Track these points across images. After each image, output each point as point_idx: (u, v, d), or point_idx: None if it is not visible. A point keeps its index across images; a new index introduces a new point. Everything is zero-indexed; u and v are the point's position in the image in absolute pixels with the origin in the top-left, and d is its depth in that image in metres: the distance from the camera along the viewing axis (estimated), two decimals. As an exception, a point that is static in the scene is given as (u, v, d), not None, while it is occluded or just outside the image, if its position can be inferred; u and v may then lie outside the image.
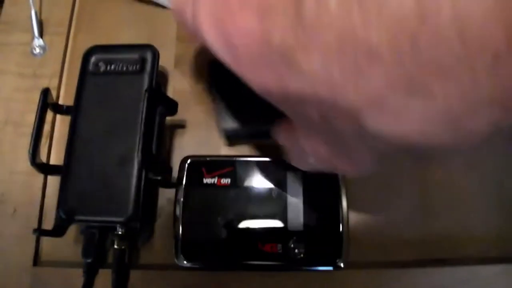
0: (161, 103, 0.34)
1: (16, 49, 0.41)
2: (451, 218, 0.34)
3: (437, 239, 0.34)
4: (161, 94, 0.35)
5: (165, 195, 0.35)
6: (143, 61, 0.34)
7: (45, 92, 0.32)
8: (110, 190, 0.31)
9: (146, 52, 0.35)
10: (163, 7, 0.41)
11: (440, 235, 0.34)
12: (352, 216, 0.33)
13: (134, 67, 0.34)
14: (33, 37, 0.41)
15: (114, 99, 0.33)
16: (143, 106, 0.32)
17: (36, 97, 0.37)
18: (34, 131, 0.31)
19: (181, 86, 0.39)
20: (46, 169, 0.33)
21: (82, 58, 0.35)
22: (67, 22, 0.41)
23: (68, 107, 0.35)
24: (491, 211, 0.35)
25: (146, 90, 0.32)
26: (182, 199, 0.33)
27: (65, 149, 0.32)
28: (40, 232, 0.30)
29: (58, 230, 0.31)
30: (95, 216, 0.31)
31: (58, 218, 0.31)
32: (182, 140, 0.37)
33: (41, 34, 0.41)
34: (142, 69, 0.34)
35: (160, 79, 0.38)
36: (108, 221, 0.31)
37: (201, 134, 0.37)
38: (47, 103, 0.33)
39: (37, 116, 0.32)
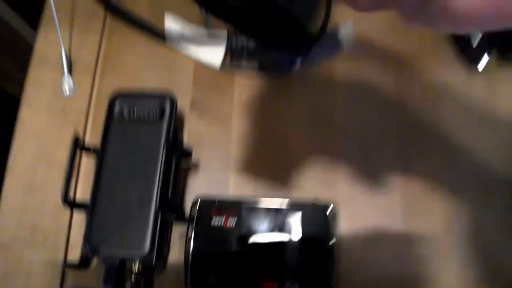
0: (177, 152, 0.38)
1: (47, 86, 0.45)
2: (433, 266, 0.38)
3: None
4: (177, 144, 0.39)
5: (178, 229, 0.39)
6: (162, 109, 0.38)
7: (76, 140, 0.37)
8: (130, 228, 0.35)
9: (165, 101, 0.39)
10: (181, 52, 0.45)
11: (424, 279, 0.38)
12: (344, 258, 0.37)
13: (154, 114, 0.38)
14: (63, 75, 0.45)
15: (136, 145, 0.37)
16: (161, 156, 0.36)
17: (65, 133, 0.41)
18: (66, 175, 0.35)
19: (196, 127, 0.43)
20: (74, 205, 0.37)
21: (107, 104, 0.39)
22: (94, 63, 0.45)
23: (94, 149, 0.39)
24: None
25: (165, 142, 0.36)
26: (192, 236, 0.37)
27: (92, 189, 0.36)
28: (69, 266, 0.35)
29: (85, 263, 0.35)
30: (117, 251, 0.35)
31: (84, 251, 0.35)
32: (196, 178, 0.41)
33: (70, 72, 0.45)
34: (161, 117, 0.38)
35: (177, 121, 0.41)
36: (127, 255, 0.35)
37: (212, 174, 0.41)
38: (77, 149, 0.37)
39: (68, 161, 0.36)
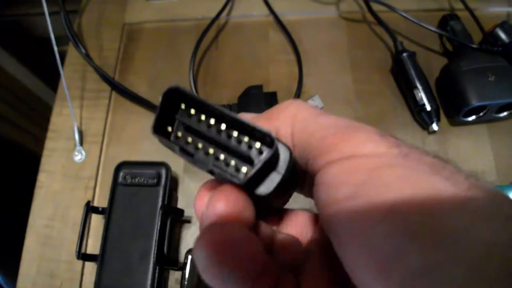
0: (172, 213, 0.46)
1: (62, 154, 0.53)
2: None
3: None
4: (171, 208, 0.46)
5: (175, 276, 0.47)
6: (159, 176, 0.46)
7: (88, 204, 0.44)
8: (132, 278, 0.43)
9: (161, 169, 0.47)
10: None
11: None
12: None
13: (152, 180, 0.46)
14: (75, 145, 0.53)
15: (137, 206, 0.45)
16: (158, 217, 0.44)
17: (78, 195, 0.49)
18: (79, 234, 0.43)
19: (188, 188, 0.51)
20: (86, 258, 0.45)
21: (113, 171, 0.47)
22: (101, 134, 0.54)
23: (103, 208, 0.47)
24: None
25: (161, 207, 0.44)
26: (186, 283, 0.44)
27: (101, 244, 0.44)
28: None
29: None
30: (121, 298, 0.42)
31: (94, 298, 0.43)
32: (188, 232, 0.49)
33: (81, 143, 0.53)
34: (158, 182, 0.46)
35: (172, 185, 0.49)
36: (131, 301, 0.42)
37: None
38: (88, 212, 0.45)
39: (81, 223, 0.44)
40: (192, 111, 0.20)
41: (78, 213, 0.48)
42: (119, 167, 0.47)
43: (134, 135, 0.54)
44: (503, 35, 0.51)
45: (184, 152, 0.19)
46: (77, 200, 0.50)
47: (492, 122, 0.51)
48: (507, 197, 0.15)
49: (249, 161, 0.19)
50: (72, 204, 0.50)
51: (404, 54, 0.51)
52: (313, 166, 0.19)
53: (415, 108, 0.50)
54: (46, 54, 0.64)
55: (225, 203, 0.18)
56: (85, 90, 0.56)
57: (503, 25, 0.51)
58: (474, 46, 0.50)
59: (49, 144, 0.54)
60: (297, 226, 0.23)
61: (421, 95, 0.49)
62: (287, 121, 0.20)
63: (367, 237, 0.15)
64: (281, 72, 0.56)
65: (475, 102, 0.46)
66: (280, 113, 0.21)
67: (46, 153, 0.54)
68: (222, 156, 0.20)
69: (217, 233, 0.18)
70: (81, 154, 0.53)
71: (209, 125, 0.19)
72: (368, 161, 0.17)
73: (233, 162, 0.19)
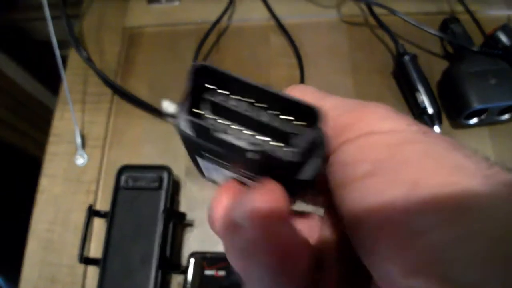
0: (174, 217, 0.46)
1: (63, 158, 0.53)
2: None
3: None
4: (173, 211, 0.46)
5: (177, 279, 0.46)
6: (161, 180, 0.46)
7: (90, 208, 0.44)
8: (134, 282, 0.42)
9: (163, 173, 0.47)
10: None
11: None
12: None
13: (154, 184, 0.46)
14: (76, 149, 0.53)
15: (139, 210, 0.45)
16: (160, 220, 0.44)
17: (79, 199, 0.49)
18: (81, 239, 0.43)
19: (190, 191, 0.50)
20: (88, 262, 0.45)
21: (115, 175, 0.47)
22: (103, 137, 0.54)
23: (105, 212, 0.47)
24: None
25: (163, 211, 0.44)
26: (188, 286, 0.44)
27: (103, 248, 0.44)
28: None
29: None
30: (124, 302, 0.42)
31: (96, 302, 0.43)
32: (190, 235, 0.49)
33: (83, 147, 0.53)
34: (160, 186, 0.46)
35: (174, 189, 0.49)
36: (133, 305, 0.42)
37: (205, 231, 0.49)
38: (91, 216, 0.44)
39: (84, 227, 0.44)
40: (221, 91, 0.17)
41: (79, 217, 0.48)
42: (121, 171, 0.47)
43: (135, 139, 0.54)
44: (504, 38, 0.51)
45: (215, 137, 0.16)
46: (78, 204, 0.50)
47: (493, 125, 0.51)
48: None
49: (288, 142, 0.17)
50: (73, 208, 0.50)
51: (406, 57, 0.51)
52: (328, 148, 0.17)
53: (417, 111, 0.50)
54: (46, 58, 0.64)
55: (273, 203, 0.16)
56: (86, 93, 0.56)
57: (504, 28, 0.51)
58: (475, 49, 0.50)
59: (50, 148, 0.54)
60: (305, 229, 0.22)
61: (423, 98, 0.49)
62: None
63: (387, 213, 0.14)
64: (282, 75, 0.56)
65: (476, 105, 0.46)
66: None
67: (47, 157, 0.54)
68: (261, 137, 0.17)
69: (277, 240, 0.16)
70: (83, 157, 0.53)
71: (242, 103, 0.17)
72: (388, 137, 0.16)
73: (275, 143, 0.17)
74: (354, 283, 0.19)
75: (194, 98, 0.17)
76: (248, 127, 0.17)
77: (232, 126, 0.17)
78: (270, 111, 0.17)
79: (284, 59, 0.57)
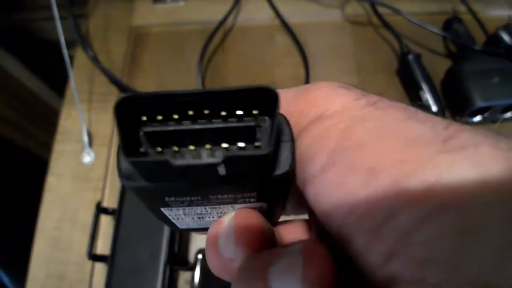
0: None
1: (71, 156, 0.53)
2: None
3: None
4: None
5: (184, 276, 0.47)
6: (168, 177, 0.47)
7: (98, 205, 0.45)
8: (143, 278, 0.43)
9: (171, 170, 0.47)
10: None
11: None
12: None
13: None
14: (84, 147, 0.53)
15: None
16: (169, 217, 0.44)
17: (87, 196, 0.49)
18: (90, 235, 0.44)
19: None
20: (96, 258, 0.45)
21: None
22: (110, 135, 0.54)
23: (113, 209, 0.47)
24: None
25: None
26: (196, 283, 0.45)
27: (111, 245, 0.44)
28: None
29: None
30: (132, 298, 0.43)
31: (105, 299, 0.43)
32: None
33: (90, 145, 0.54)
34: (168, 183, 0.46)
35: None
36: (141, 302, 0.43)
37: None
38: (99, 213, 0.45)
39: (92, 224, 0.44)
40: (159, 117, 0.15)
41: (87, 215, 0.49)
42: (129, 169, 0.48)
43: (142, 137, 0.54)
44: (506, 38, 0.51)
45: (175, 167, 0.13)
46: (86, 202, 0.50)
47: (497, 123, 0.52)
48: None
49: (252, 139, 0.15)
50: (81, 206, 0.50)
51: (410, 56, 0.52)
52: None
53: (421, 109, 0.50)
54: (51, 58, 0.65)
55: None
56: (93, 93, 0.57)
57: (506, 28, 0.52)
58: (478, 48, 0.51)
59: (57, 146, 0.54)
60: (290, 235, 0.21)
61: (427, 96, 0.50)
62: None
63: (351, 205, 0.14)
64: (287, 74, 0.57)
65: (479, 103, 0.47)
66: None
67: (54, 155, 0.54)
68: (225, 145, 0.15)
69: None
70: (90, 156, 0.53)
71: (188, 118, 0.15)
72: (337, 120, 0.15)
73: (239, 144, 0.15)
74: (351, 283, 0.18)
75: (130, 140, 0.14)
76: (204, 141, 0.15)
77: (189, 147, 0.15)
78: (218, 115, 0.15)
79: (289, 59, 0.58)
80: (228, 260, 0.17)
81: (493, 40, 0.52)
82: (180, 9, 0.63)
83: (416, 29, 0.54)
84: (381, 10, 0.56)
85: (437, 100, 0.50)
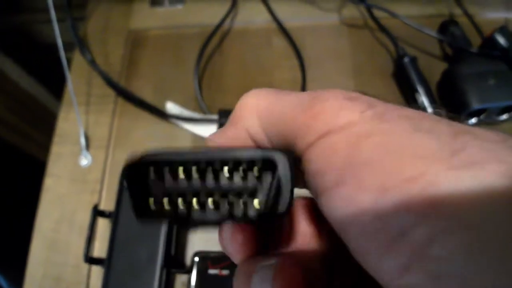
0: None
1: (68, 159, 0.54)
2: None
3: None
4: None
5: (181, 279, 0.47)
6: (165, 179, 0.47)
7: (95, 207, 0.45)
8: (139, 281, 0.43)
9: (168, 172, 0.47)
10: (180, 128, 0.54)
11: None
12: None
13: (159, 184, 0.47)
14: (81, 150, 0.53)
15: (144, 209, 0.46)
16: (165, 219, 0.44)
17: (84, 198, 0.49)
18: (87, 238, 0.44)
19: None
20: (93, 261, 0.45)
21: (120, 174, 0.47)
22: (107, 138, 0.54)
23: (110, 212, 0.47)
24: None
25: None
26: (192, 286, 0.45)
27: (108, 247, 0.44)
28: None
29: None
30: (129, 300, 0.43)
31: (102, 301, 0.43)
32: (195, 236, 0.49)
33: (87, 147, 0.54)
34: (165, 186, 0.47)
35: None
36: (138, 304, 0.43)
37: (209, 232, 0.49)
38: (96, 216, 0.45)
39: (89, 226, 0.44)
40: (167, 172, 0.16)
41: (84, 217, 0.49)
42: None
43: (140, 140, 0.54)
44: (501, 40, 0.52)
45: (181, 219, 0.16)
46: (83, 204, 0.50)
47: (493, 125, 0.52)
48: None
49: (252, 194, 0.17)
50: (78, 208, 0.51)
51: (406, 59, 0.52)
52: (295, 150, 0.17)
53: (416, 104, 0.51)
54: (49, 61, 0.65)
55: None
56: (90, 95, 0.57)
57: (501, 30, 0.52)
58: (474, 50, 0.51)
59: (55, 148, 0.55)
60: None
61: (422, 99, 0.50)
62: (252, 116, 0.19)
63: (364, 221, 0.15)
64: (285, 77, 0.57)
65: (475, 105, 0.47)
66: (242, 111, 0.20)
67: (52, 157, 0.54)
68: (225, 202, 0.16)
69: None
70: (87, 158, 0.53)
71: (193, 177, 0.16)
72: (345, 136, 0.16)
73: (240, 202, 0.17)
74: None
75: (140, 201, 0.16)
76: (210, 195, 0.16)
77: (194, 203, 0.16)
78: (223, 168, 0.16)
79: (286, 62, 0.58)
80: None
81: (489, 42, 0.52)
82: (178, 12, 0.63)
83: (412, 32, 0.54)
84: (378, 13, 0.57)
85: (432, 102, 0.50)
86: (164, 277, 0.43)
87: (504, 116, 0.50)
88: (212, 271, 0.45)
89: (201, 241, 0.49)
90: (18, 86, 0.86)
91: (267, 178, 0.16)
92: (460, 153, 0.14)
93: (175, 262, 0.45)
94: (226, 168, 0.16)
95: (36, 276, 0.48)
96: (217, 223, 0.17)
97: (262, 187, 0.16)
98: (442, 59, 0.57)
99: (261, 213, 0.16)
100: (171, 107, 0.54)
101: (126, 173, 0.15)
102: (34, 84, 0.90)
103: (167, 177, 0.16)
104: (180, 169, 0.16)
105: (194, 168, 0.16)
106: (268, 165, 0.16)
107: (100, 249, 0.48)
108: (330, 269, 0.20)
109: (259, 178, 0.16)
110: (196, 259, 0.45)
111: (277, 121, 0.18)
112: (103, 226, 0.49)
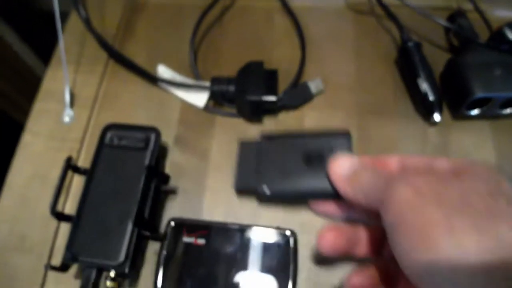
0: (156, 177, 0.43)
1: (50, 115, 0.51)
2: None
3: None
4: (157, 171, 0.44)
5: (153, 247, 0.44)
6: (147, 140, 0.44)
7: (68, 160, 0.42)
8: (108, 240, 0.40)
9: (151, 133, 0.45)
10: (170, 93, 0.52)
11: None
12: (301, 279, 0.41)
13: (140, 144, 0.44)
14: (65, 107, 0.51)
15: (121, 168, 0.43)
16: (142, 180, 0.41)
17: (62, 156, 0.47)
18: (56, 189, 0.41)
19: (177, 160, 0.48)
20: (61, 217, 0.42)
21: (101, 131, 0.45)
22: (93, 99, 0.52)
23: (85, 169, 0.44)
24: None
25: (146, 167, 0.42)
26: (164, 253, 0.42)
27: (78, 203, 0.41)
28: (49, 267, 0.39)
29: (64, 267, 0.39)
30: (94, 259, 0.39)
31: (65, 258, 0.40)
32: (173, 204, 0.46)
33: (71, 106, 0.51)
34: (146, 147, 0.44)
35: (160, 153, 0.47)
36: (104, 264, 0.39)
37: (187, 200, 0.46)
38: (68, 167, 0.42)
39: (60, 177, 0.41)
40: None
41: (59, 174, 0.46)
42: (107, 128, 0.45)
43: (127, 103, 0.52)
44: (510, 35, 0.50)
45: None
46: (59, 162, 0.47)
47: (495, 119, 0.50)
48: None
49: None
50: (54, 166, 0.48)
51: (410, 43, 0.50)
52: (411, 257, 0.23)
53: (418, 98, 0.49)
54: (45, 29, 0.63)
55: None
56: (82, 56, 0.55)
57: (511, 25, 0.50)
58: (481, 42, 0.49)
59: (38, 105, 0.52)
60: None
61: (425, 85, 0.48)
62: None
63: (420, 272, 0.22)
64: (284, 56, 0.55)
65: (479, 93, 0.45)
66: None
67: (33, 114, 0.52)
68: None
69: None
70: (70, 116, 0.51)
71: None
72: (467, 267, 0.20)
73: None
74: None
75: None
76: None
77: None
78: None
79: (287, 40, 0.56)
80: None
81: (497, 36, 0.50)
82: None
83: (419, 22, 0.53)
84: (385, 0, 0.55)
85: (434, 89, 0.48)
86: (134, 238, 0.40)
87: (508, 110, 0.48)
88: (187, 239, 0.42)
89: (178, 210, 0.46)
90: (17, 55, 0.84)
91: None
92: None
93: (148, 226, 0.42)
94: None
95: (1, 234, 0.45)
96: None
97: None
98: (447, 51, 0.55)
99: None
100: (163, 71, 0.52)
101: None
102: (32, 55, 0.88)
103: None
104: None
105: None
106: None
107: (72, 208, 0.46)
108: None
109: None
110: (172, 223, 0.43)
111: (404, 221, 0.24)
112: (78, 185, 0.47)
